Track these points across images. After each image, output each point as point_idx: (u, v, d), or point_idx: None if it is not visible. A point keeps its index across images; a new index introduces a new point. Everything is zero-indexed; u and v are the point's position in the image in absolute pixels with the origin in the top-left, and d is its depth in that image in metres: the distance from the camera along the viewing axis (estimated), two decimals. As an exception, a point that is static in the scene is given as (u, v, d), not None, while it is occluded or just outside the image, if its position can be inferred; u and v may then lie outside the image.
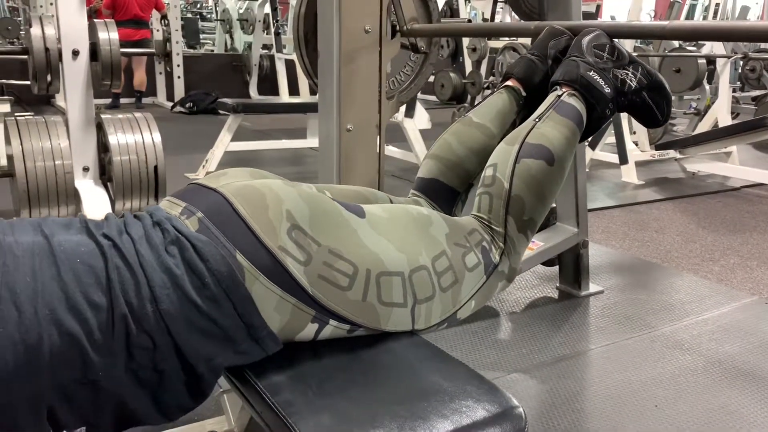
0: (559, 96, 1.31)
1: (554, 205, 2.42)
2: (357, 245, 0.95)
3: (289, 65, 7.52)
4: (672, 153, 4.77)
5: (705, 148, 4.53)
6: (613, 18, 10.93)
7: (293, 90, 7.47)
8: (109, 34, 2.64)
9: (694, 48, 6.04)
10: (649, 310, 2.32)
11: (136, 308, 0.80)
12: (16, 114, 2.80)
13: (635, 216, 3.66)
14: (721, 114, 5.14)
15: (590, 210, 2.91)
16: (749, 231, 3.40)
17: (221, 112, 6.41)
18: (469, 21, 6.42)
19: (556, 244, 2.29)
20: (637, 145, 4.81)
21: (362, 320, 0.95)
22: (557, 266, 2.50)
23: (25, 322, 0.75)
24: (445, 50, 6.47)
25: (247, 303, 0.86)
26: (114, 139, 2.72)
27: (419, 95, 4.68)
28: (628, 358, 1.96)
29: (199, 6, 13.14)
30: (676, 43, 5.63)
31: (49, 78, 2.57)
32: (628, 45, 4.37)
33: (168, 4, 7.33)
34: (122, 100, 7.14)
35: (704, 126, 5.28)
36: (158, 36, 7.48)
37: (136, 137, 2.76)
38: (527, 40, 5.41)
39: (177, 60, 7.42)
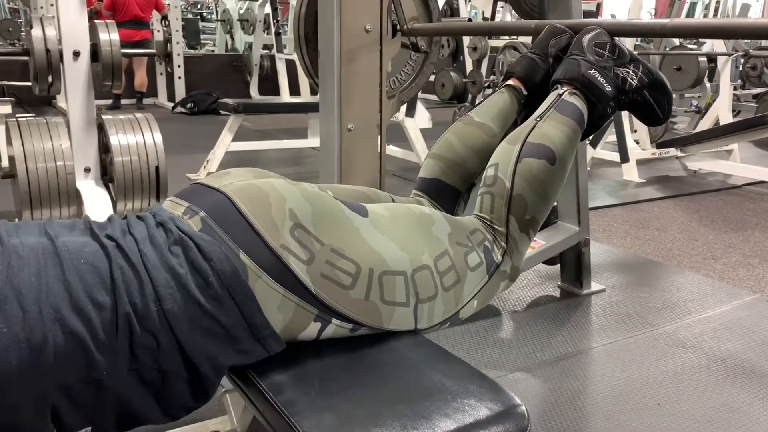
0: (560, 95, 1.31)
1: (555, 203, 2.42)
2: (360, 244, 0.95)
3: (290, 65, 7.52)
4: (673, 151, 4.76)
5: (706, 146, 4.53)
6: (613, 16, 10.93)
7: (294, 90, 7.47)
8: (109, 35, 2.64)
9: (695, 46, 6.03)
10: (650, 308, 2.32)
11: (140, 308, 0.81)
12: (17, 115, 2.80)
13: (637, 214, 3.66)
14: (722, 112, 5.13)
15: (591, 208, 2.91)
16: (751, 229, 3.39)
17: (222, 112, 6.41)
18: (470, 20, 6.42)
19: (558, 243, 2.29)
20: (638, 143, 4.80)
21: (365, 319, 0.95)
22: (559, 265, 2.50)
23: (30, 322, 0.75)
24: (445, 49, 6.47)
25: (250, 302, 0.86)
26: (115, 139, 2.72)
27: (420, 94, 4.67)
28: (630, 356, 1.96)
29: (199, 6, 13.14)
30: (676, 41, 5.62)
31: (50, 79, 2.57)
32: (628, 43, 4.36)
33: (168, 4, 7.33)
34: (123, 101, 7.15)
35: (705, 124, 5.27)
36: (159, 36, 7.48)
37: (137, 138, 2.77)
38: (528, 39, 5.41)
39: (178, 60, 7.42)
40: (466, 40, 6.31)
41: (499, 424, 0.80)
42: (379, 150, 1.85)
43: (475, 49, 5.99)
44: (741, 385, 1.80)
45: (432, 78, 5.95)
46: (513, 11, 7.70)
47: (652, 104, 1.43)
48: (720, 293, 2.48)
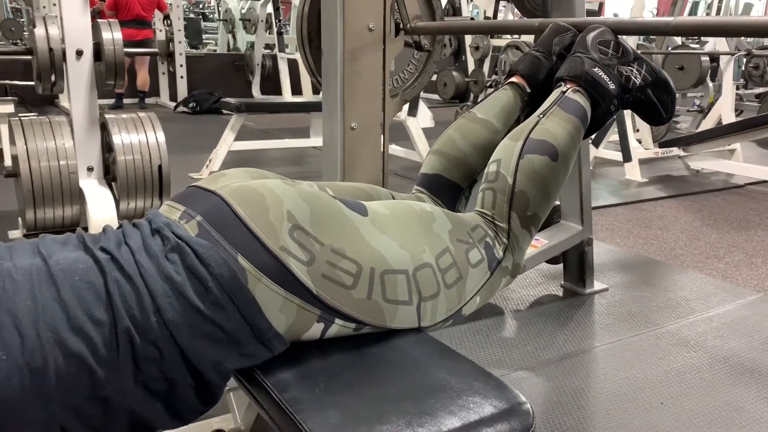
0: (564, 92, 1.31)
1: (558, 202, 2.42)
2: (360, 244, 0.94)
3: (292, 65, 7.52)
4: (675, 150, 4.76)
5: (709, 146, 4.52)
6: (615, 15, 10.92)
7: (296, 89, 7.47)
8: (112, 34, 2.64)
9: (698, 45, 6.02)
10: (653, 307, 2.32)
11: (139, 320, 0.80)
12: (20, 114, 2.81)
13: (639, 214, 3.66)
14: (724, 111, 5.13)
15: (594, 208, 2.90)
16: (753, 228, 3.39)
17: (224, 111, 6.42)
18: (472, 19, 6.42)
19: (561, 242, 2.29)
20: (640, 142, 4.80)
21: (368, 318, 0.95)
22: (562, 264, 2.49)
23: (29, 347, 0.74)
24: (447, 49, 6.47)
25: (251, 305, 0.85)
26: (118, 138, 2.72)
27: (422, 94, 4.68)
28: (633, 355, 1.96)
29: (201, 6, 13.15)
30: (679, 41, 5.61)
31: (53, 78, 2.58)
32: (631, 43, 4.36)
33: (170, 4, 7.34)
34: (125, 101, 7.15)
35: (708, 123, 5.27)
36: (161, 36, 7.49)
37: (140, 137, 2.77)
38: (530, 39, 5.41)
39: (180, 60, 7.43)
40: (468, 40, 6.31)
41: (504, 421, 0.80)
42: (382, 149, 1.85)
43: (477, 48, 5.99)
44: (744, 384, 1.80)
45: (434, 78, 5.96)
46: (514, 11, 7.70)
47: (655, 103, 1.43)
48: (723, 292, 2.48)
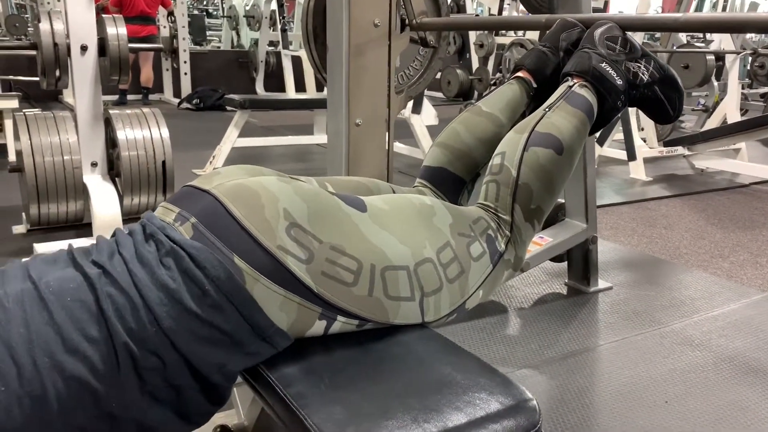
0: (571, 87, 1.30)
1: (563, 200, 2.41)
2: (359, 240, 0.93)
3: (296, 62, 7.53)
4: (680, 149, 4.74)
5: (713, 145, 4.50)
6: (621, 13, 10.89)
7: (299, 86, 7.48)
8: (117, 30, 2.64)
9: (703, 44, 6.00)
10: (658, 306, 2.31)
11: (136, 332, 0.79)
12: (24, 110, 2.81)
13: (644, 212, 3.64)
14: (729, 110, 5.11)
15: (599, 206, 2.89)
16: (758, 228, 3.38)
17: (228, 108, 6.41)
18: (477, 17, 6.40)
19: (565, 240, 2.28)
20: (645, 141, 4.79)
21: (370, 315, 0.94)
22: (566, 262, 2.49)
23: (26, 375, 0.73)
24: (451, 47, 6.46)
25: (250, 305, 0.84)
26: (122, 134, 2.73)
27: (426, 92, 4.67)
28: (637, 354, 1.95)
29: (205, 3, 13.14)
30: (684, 39, 5.59)
31: (57, 73, 2.58)
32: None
33: (174, 0, 7.34)
34: (129, 97, 7.15)
35: (713, 123, 5.25)
36: (165, 32, 7.49)
37: (144, 133, 2.77)
38: (535, 36, 5.40)
39: (184, 56, 7.44)
40: (473, 38, 6.30)
41: (510, 418, 0.80)
42: (386, 146, 1.84)
43: (481, 46, 5.98)
44: (749, 384, 1.79)
45: (438, 75, 5.95)
46: (518, 9, 7.68)
47: (662, 101, 1.42)
48: (728, 292, 2.47)
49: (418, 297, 0.98)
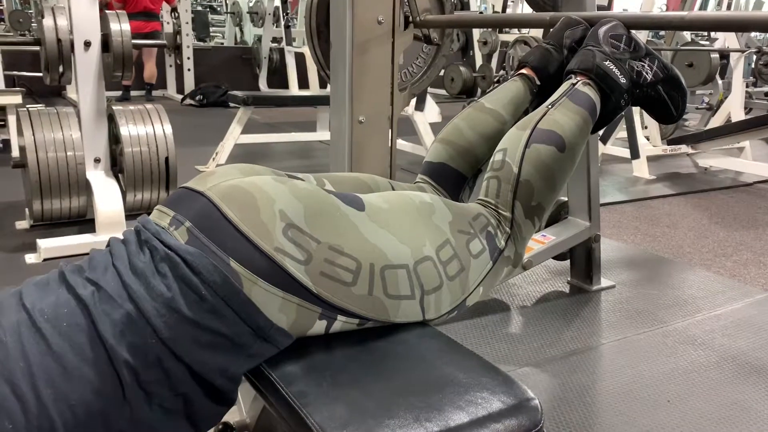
0: (574, 84, 1.30)
1: (566, 199, 2.41)
2: (358, 240, 0.92)
3: (299, 58, 7.52)
4: (684, 148, 4.73)
5: (717, 143, 4.49)
6: (625, 11, 10.86)
7: (303, 83, 7.47)
8: (120, 26, 2.64)
9: (707, 42, 5.98)
10: (661, 305, 2.31)
11: (136, 347, 0.78)
12: (28, 106, 2.81)
13: (647, 211, 3.64)
14: (734, 109, 5.09)
15: (601, 204, 2.88)
16: (762, 226, 3.37)
17: (231, 104, 6.41)
18: (481, 14, 6.39)
19: (568, 238, 2.28)
20: (648, 139, 4.77)
21: (371, 314, 0.94)
22: (569, 260, 2.48)
23: (32, 410, 0.73)
24: (455, 44, 6.45)
25: (248, 307, 0.83)
26: (125, 130, 2.73)
27: (429, 89, 4.66)
28: (639, 353, 1.95)
29: (209, -1, 13.13)
30: (688, 37, 5.57)
31: (61, 69, 2.58)
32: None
33: (178, -4, 7.34)
34: (132, 93, 7.16)
35: (717, 121, 5.23)
36: (168, 29, 7.49)
37: (147, 129, 2.77)
38: (539, 34, 5.38)
39: (187, 53, 7.44)
40: (476, 35, 6.29)
41: (512, 417, 0.80)
42: (389, 143, 1.84)
43: (485, 43, 5.97)
44: (752, 383, 1.79)
45: (441, 72, 5.94)
46: (522, 8, 7.66)
47: (666, 100, 1.41)
48: (731, 291, 2.46)
49: (418, 295, 0.98)
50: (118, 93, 6.95)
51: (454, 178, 1.34)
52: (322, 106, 4.86)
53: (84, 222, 2.80)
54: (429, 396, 0.82)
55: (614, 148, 4.86)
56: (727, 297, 2.40)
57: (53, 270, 0.89)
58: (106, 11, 2.72)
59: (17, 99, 3.87)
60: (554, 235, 2.25)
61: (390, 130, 1.83)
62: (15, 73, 6.15)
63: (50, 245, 2.53)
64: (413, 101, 4.38)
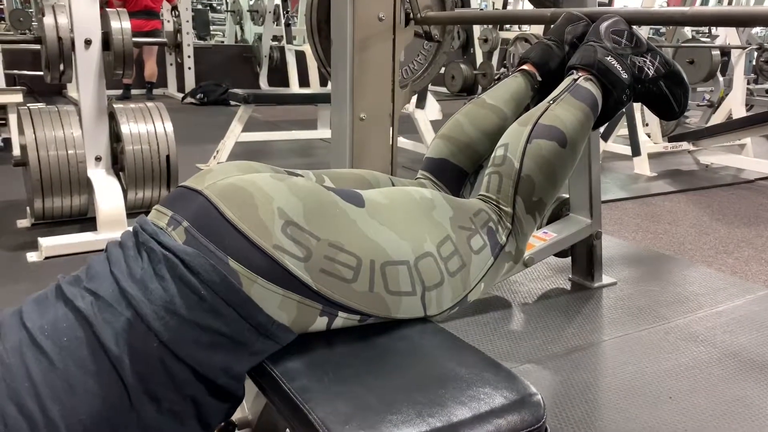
0: (575, 80, 1.30)
1: (567, 196, 2.41)
2: (358, 236, 0.92)
3: (299, 56, 7.51)
4: (685, 145, 4.72)
5: (718, 140, 4.49)
6: (626, 7, 10.83)
7: (303, 81, 7.47)
8: (121, 24, 2.64)
9: (708, 39, 5.97)
10: (662, 302, 2.31)
11: (138, 352, 0.78)
12: (28, 104, 2.81)
13: (648, 208, 3.64)
14: (735, 106, 5.08)
15: (603, 202, 2.88)
16: (763, 223, 3.36)
17: (232, 102, 6.41)
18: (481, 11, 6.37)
19: (570, 235, 2.28)
20: (649, 136, 4.77)
21: (372, 310, 0.93)
22: (570, 257, 2.48)
23: (41, 428, 0.73)
24: (455, 41, 6.44)
25: (248, 305, 0.83)
26: (126, 128, 2.73)
27: (430, 86, 4.66)
28: (641, 349, 1.95)
29: (209, -3, 13.12)
30: (689, 34, 5.56)
31: (61, 67, 2.58)
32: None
33: (178, -5, 7.33)
34: (133, 92, 7.15)
35: (718, 118, 5.23)
36: (169, 27, 7.48)
37: (148, 127, 2.77)
38: (539, 31, 5.38)
39: (188, 51, 7.43)
40: (477, 32, 6.28)
41: (515, 412, 0.80)
42: (390, 140, 1.84)
43: (485, 40, 5.96)
44: (754, 380, 1.79)
45: (442, 70, 5.93)
46: (522, 5, 7.65)
47: (668, 96, 1.41)
48: (732, 287, 2.46)
49: (419, 291, 0.97)
50: (119, 91, 6.95)
51: (455, 173, 1.34)
52: (323, 104, 4.86)
53: (85, 220, 2.80)
54: (431, 391, 0.82)
55: (615, 145, 4.85)
56: (729, 294, 2.40)
57: (51, 284, 0.88)
58: (107, 9, 2.71)
59: (18, 98, 3.87)
60: (556, 232, 2.25)
61: (391, 128, 1.83)
62: (16, 71, 6.15)
63: (51, 244, 2.54)
64: (414, 99, 4.38)
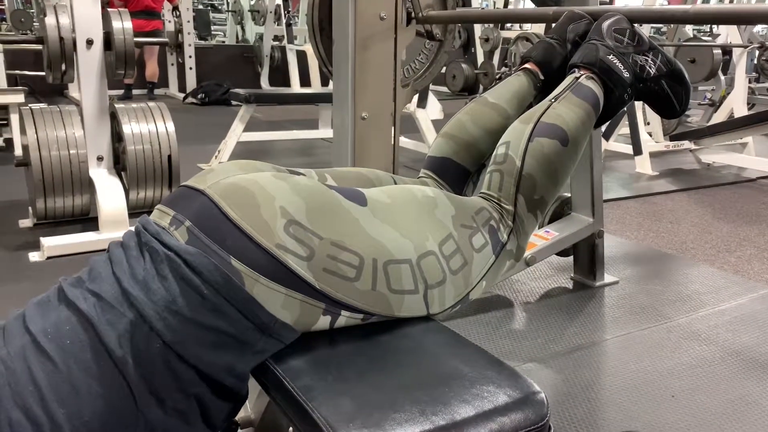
0: (577, 78, 1.30)
1: (569, 195, 2.40)
2: (360, 235, 0.92)
3: (301, 56, 7.51)
4: (686, 144, 4.72)
5: (720, 139, 4.48)
6: (628, 6, 10.82)
7: (304, 81, 7.47)
8: (122, 24, 2.64)
9: (710, 38, 5.96)
10: (664, 300, 2.30)
11: (142, 352, 0.78)
12: (30, 104, 2.81)
13: (650, 207, 3.63)
14: (736, 105, 5.08)
15: (605, 201, 2.88)
16: (766, 222, 3.36)
17: (233, 102, 6.41)
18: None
19: (571, 234, 2.28)
20: (651, 135, 4.76)
21: (374, 309, 0.93)
22: (572, 256, 2.48)
23: None
24: (457, 41, 6.44)
25: (251, 305, 0.83)
26: (128, 128, 2.73)
27: (431, 86, 4.66)
28: (643, 348, 1.95)
29: (210, -3, 13.12)
30: (690, 33, 5.56)
31: (63, 67, 2.58)
32: (643, 34, 4.31)
33: (179, -5, 7.33)
34: (134, 92, 7.16)
35: (719, 117, 5.22)
36: (170, 27, 7.48)
37: (149, 127, 2.77)
38: (540, 31, 5.37)
39: (189, 51, 7.43)
40: (478, 32, 6.28)
41: (518, 410, 0.80)
42: (392, 139, 1.84)
43: (487, 40, 5.96)
44: (757, 378, 1.79)
45: (443, 70, 5.93)
46: (524, 4, 7.65)
47: (669, 95, 1.41)
48: (734, 286, 2.46)
49: (422, 290, 0.97)
50: (120, 91, 6.96)
51: (457, 172, 1.34)
52: (324, 104, 4.86)
53: (87, 220, 2.80)
54: (435, 389, 0.82)
55: (617, 144, 4.85)
56: (731, 292, 2.40)
57: (53, 285, 0.88)
58: (108, 9, 2.72)
59: (20, 98, 3.87)
60: (557, 231, 2.25)
61: (393, 127, 1.82)
62: (17, 72, 6.16)
63: (53, 243, 2.54)
64: (415, 98, 4.38)
